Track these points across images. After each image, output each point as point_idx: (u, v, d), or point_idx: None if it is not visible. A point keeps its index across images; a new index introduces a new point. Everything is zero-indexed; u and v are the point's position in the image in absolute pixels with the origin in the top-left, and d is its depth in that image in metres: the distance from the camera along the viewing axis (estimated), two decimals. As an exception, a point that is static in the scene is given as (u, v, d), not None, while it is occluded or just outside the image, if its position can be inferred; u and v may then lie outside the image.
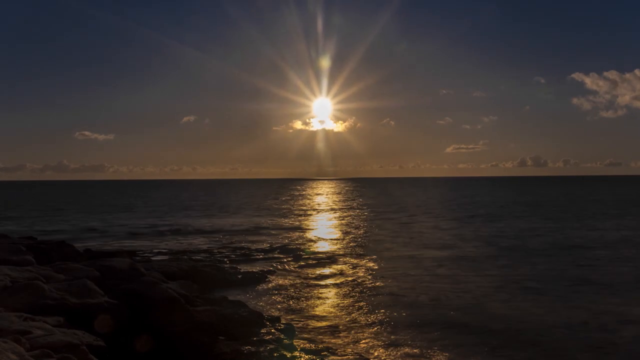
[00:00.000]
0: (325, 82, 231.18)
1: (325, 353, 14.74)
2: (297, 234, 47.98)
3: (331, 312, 19.64)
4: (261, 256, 33.99)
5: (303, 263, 31.33)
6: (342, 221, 61.86)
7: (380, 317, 18.69)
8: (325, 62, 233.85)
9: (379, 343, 15.92)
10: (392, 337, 16.46)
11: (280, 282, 25.63)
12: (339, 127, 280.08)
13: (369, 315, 19.10)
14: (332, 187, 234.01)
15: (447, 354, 14.87)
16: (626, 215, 64.01)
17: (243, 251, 36.21)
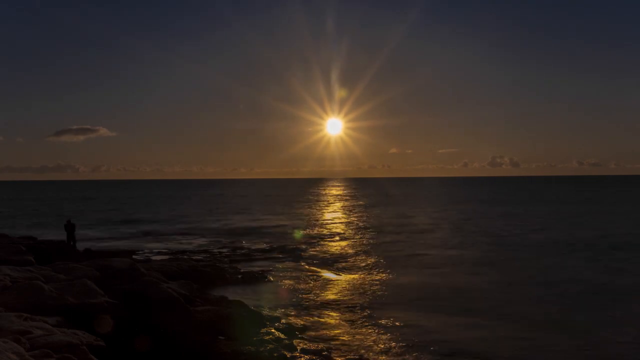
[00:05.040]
0: (338, 105, 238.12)
1: (325, 353, 14.73)
2: (298, 233, 47.95)
3: (331, 312, 19.62)
4: (261, 256, 33.98)
5: (303, 263, 31.33)
6: (344, 221, 61.83)
7: (381, 317, 18.66)
8: (342, 93, 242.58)
9: (380, 343, 15.90)
10: (393, 337, 16.45)
11: (280, 282, 25.63)
12: (345, 139, 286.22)
13: (369, 315, 19.08)
14: (332, 187, 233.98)
15: (448, 354, 14.86)
16: None
17: (243, 251, 36.21)
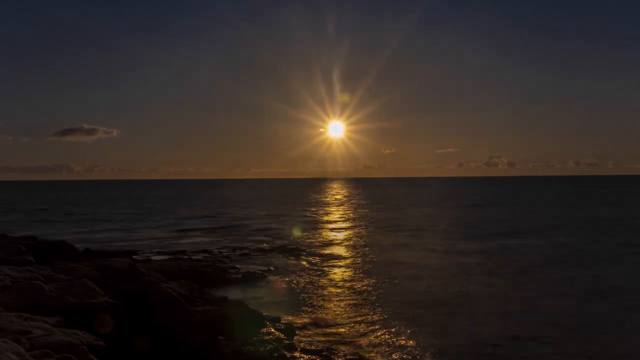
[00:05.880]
0: (339, 108, 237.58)
1: (325, 353, 14.73)
2: (300, 236, 47.91)
3: (331, 312, 19.63)
4: (261, 256, 33.98)
5: (303, 263, 31.32)
6: (343, 222, 61.80)
7: (380, 317, 18.68)
8: (345, 98, 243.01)
9: (380, 343, 15.90)
10: (393, 337, 16.45)
11: (280, 281, 25.62)
12: (346, 141, 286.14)
13: (369, 314, 19.09)
14: (331, 188, 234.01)
15: (448, 353, 14.86)
16: None
17: (243, 251, 36.20)
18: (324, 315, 19.23)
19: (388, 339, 16.27)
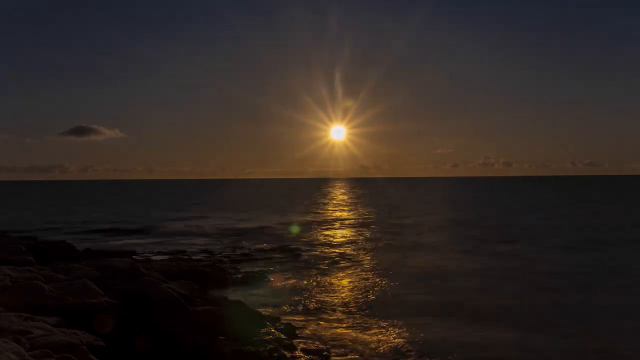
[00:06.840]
0: (342, 111, 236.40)
1: (325, 353, 14.74)
2: (298, 233, 47.92)
3: (332, 312, 19.62)
4: (261, 256, 33.97)
5: (303, 263, 31.33)
6: (344, 222, 61.79)
7: (381, 317, 18.66)
8: (347, 103, 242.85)
9: (380, 343, 15.91)
10: (393, 337, 16.45)
11: (281, 282, 25.62)
12: (348, 144, 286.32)
13: (370, 315, 19.08)
14: (332, 188, 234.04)
15: (448, 354, 14.86)
16: None
17: (243, 251, 36.21)
18: (324, 315, 19.22)
19: (389, 339, 16.27)
